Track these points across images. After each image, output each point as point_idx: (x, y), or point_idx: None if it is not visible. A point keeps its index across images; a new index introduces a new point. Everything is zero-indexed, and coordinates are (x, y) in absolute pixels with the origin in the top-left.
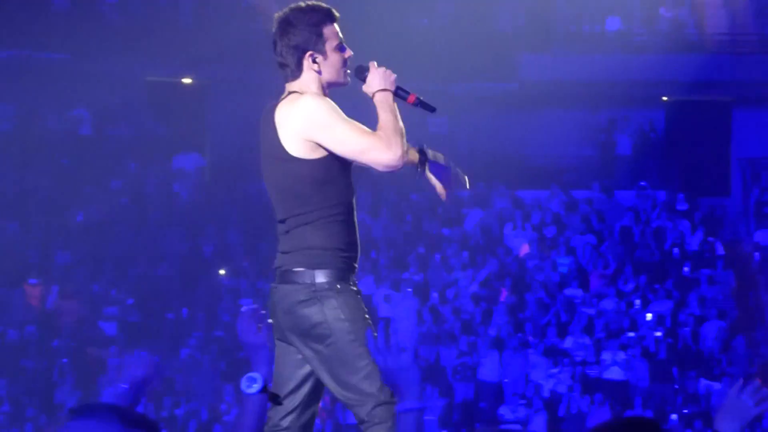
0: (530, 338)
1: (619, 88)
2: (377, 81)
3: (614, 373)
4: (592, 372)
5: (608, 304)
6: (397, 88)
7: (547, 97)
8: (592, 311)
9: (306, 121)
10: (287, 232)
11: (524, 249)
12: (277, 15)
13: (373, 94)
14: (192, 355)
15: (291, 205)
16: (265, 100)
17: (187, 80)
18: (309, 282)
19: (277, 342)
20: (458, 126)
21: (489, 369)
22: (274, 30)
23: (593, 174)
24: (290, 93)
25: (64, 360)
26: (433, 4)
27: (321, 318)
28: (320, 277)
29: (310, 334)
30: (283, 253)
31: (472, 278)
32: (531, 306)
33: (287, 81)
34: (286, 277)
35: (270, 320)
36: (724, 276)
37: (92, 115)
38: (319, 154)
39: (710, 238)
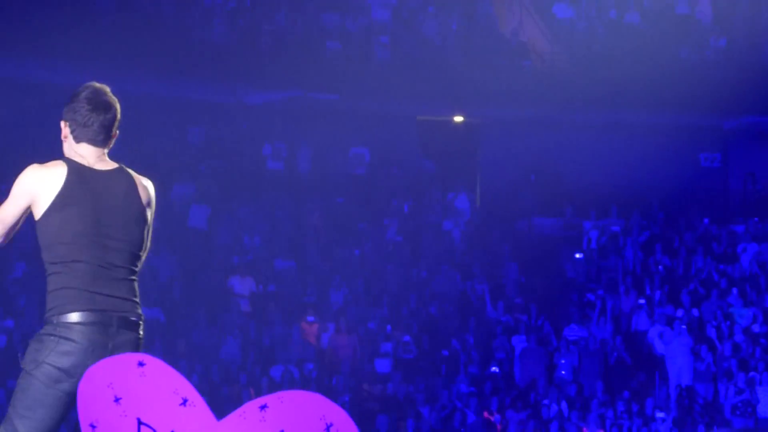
0: None
1: None
2: None
3: None
4: None
5: None
6: None
7: None
8: None
9: (153, 202)
10: (122, 279)
11: None
12: (112, 97)
13: None
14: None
15: (134, 259)
16: (534, 136)
17: (458, 119)
18: (141, 333)
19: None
20: (732, 160)
21: None
22: (116, 107)
23: None
24: (120, 166)
25: (346, 398)
26: (705, 38)
27: None
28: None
29: None
30: (122, 299)
31: (750, 314)
32: None
33: (103, 149)
34: (130, 324)
35: (80, 364)
36: None
37: (371, 155)
38: None
39: None
